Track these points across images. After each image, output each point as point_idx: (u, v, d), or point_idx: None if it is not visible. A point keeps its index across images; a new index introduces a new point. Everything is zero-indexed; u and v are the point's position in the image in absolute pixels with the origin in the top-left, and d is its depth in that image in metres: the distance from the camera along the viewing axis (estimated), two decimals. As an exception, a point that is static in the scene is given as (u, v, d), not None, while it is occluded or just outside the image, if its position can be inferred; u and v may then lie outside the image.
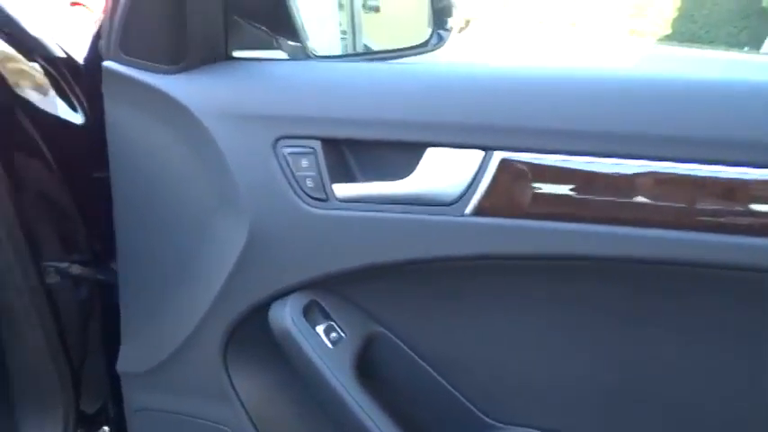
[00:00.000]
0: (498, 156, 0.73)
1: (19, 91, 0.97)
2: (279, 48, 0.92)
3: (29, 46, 0.98)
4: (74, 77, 1.04)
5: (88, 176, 1.10)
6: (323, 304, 0.81)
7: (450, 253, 0.75)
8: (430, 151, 0.75)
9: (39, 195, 1.03)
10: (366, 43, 1.34)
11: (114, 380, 1.10)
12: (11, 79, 0.96)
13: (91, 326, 1.18)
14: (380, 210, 0.76)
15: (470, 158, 0.74)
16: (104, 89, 0.84)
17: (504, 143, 0.73)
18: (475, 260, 0.74)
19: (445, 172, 0.74)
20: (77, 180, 1.08)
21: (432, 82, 0.80)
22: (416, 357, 0.83)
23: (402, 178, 0.76)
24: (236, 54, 0.88)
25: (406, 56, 0.96)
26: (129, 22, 0.81)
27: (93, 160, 1.11)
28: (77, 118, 1.06)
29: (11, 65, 0.96)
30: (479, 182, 0.73)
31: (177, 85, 0.80)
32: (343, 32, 1.33)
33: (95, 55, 0.97)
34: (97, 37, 0.94)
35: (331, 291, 0.82)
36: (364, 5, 1.36)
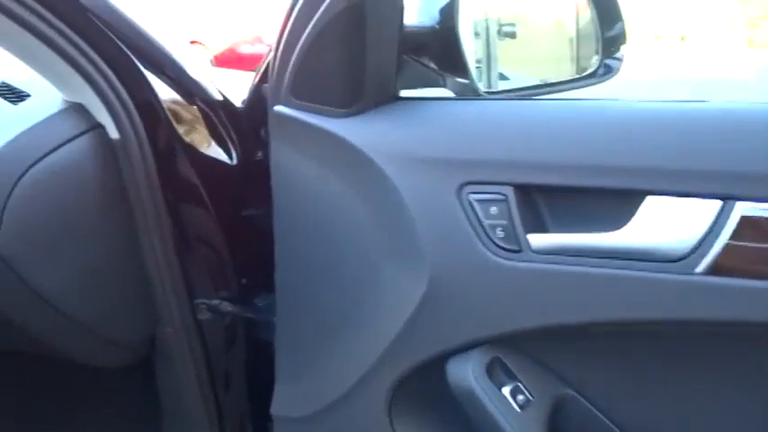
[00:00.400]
0: (741, 207, 0.65)
1: (181, 133, 0.99)
2: (443, 85, 0.89)
3: (189, 89, 1.00)
4: (228, 119, 1.06)
5: (237, 215, 1.12)
6: (508, 363, 0.76)
7: (677, 316, 0.67)
8: (650, 200, 0.69)
9: (195, 233, 1.05)
10: (501, 72, 1.29)
11: (259, 419, 1.10)
12: (174, 122, 0.98)
13: (238, 363, 1.19)
14: (586, 264, 0.70)
15: (704, 209, 0.67)
16: (272, 133, 0.83)
17: (749, 192, 0.65)
18: (703, 325, 0.67)
19: (670, 223, 0.67)
20: (228, 218, 1.10)
21: (636, 121, 0.74)
22: (609, 423, 0.77)
23: (610, 229, 0.70)
24: (402, 94, 0.85)
25: (572, 88, 0.91)
26: (303, 67, 0.79)
27: (242, 199, 1.13)
28: (230, 158, 1.08)
29: (175, 108, 0.98)
30: (717, 236, 0.66)
31: (352, 129, 0.78)
32: (478, 62, 1.30)
33: (257, 99, 0.99)
34: (261, 81, 0.95)
35: (517, 349, 0.77)
36: (499, 32, 1.32)
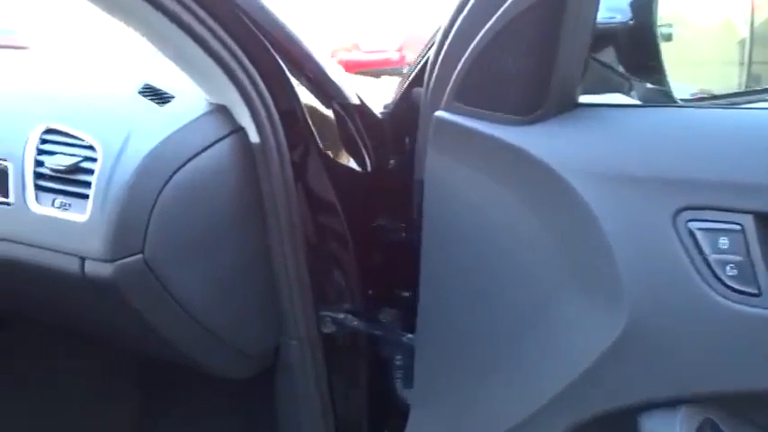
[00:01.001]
0: None
1: (318, 138, 0.95)
2: (626, 90, 0.78)
3: (329, 92, 0.96)
4: (364, 124, 1.01)
5: (367, 225, 1.07)
6: (723, 428, 0.64)
7: None
8: None
9: (325, 243, 1.01)
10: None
11: None
12: (313, 126, 0.94)
13: (358, 379, 1.13)
14: None
15: None
16: (431, 140, 0.75)
17: None
18: None
19: None
20: (358, 228, 1.04)
21: None
22: None
23: None
24: (581, 100, 0.75)
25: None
26: (475, 69, 0.71)
27: (373, 208, 1.08)
28: (363, 165, 1.03)
29: (313, 111, 0.94)
30: None
31: (532, 138, 0.69)
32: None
33: (405, 104, 0.92)
34: (411, 86, 0.90)
35: (738, 412, 0.64)
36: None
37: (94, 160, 0.79)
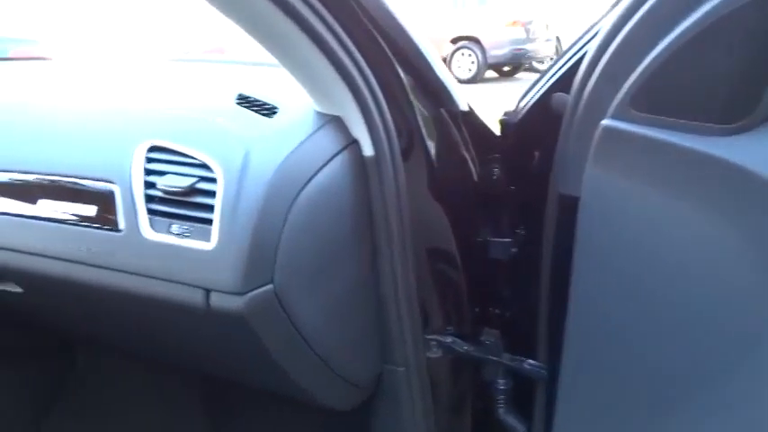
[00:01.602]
0: None
1: (430, 149, 0.88)
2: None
3: (441, 100, 0.89)
4: (471, 133, 0.94)
5: (473, 240, 0.99)
6: None
7: None
8: None
9: (435, 261, 0.94)
10: None
11: None
12: (426, 137, 0.87)
13: (461, 406, 1.06)
14: None
15: None
16: (596, 151, 0.68)
17: None
18: None
19: None
20: (465, 245, 0.97)
21: None
22: None
23: None
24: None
25: None
26: (661, 73, 0.63)
27: (478, 222, 1.01)
28: (471, 177, 0.96)
29: (426, 121, 0.87)
30: None
31: (741, 149, 0.61)
32: None
33: (538, 111, 0.85)
34: (548, 92, 0.82)
35: None
36: None
37: (211, 180, 0.72)
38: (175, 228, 0.70)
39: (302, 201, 0.72)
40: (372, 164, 0.80)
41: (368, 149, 0.80)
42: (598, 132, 0.66)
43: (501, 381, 0.99)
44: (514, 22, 7.42)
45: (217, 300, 0.69)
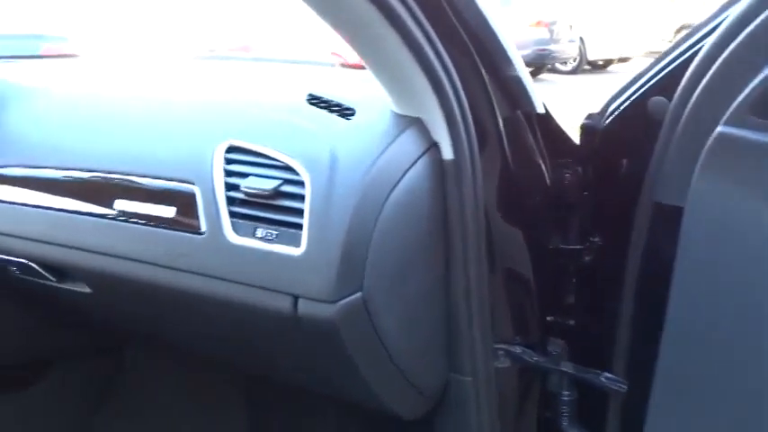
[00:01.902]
0: None
1: (507, 152, 0.86)
2: None
3: (518, 100, 0.86)
4: (544, 135, 0.91)
5: (545, 247, 0.97)
6: None
7: None
8: None
9: (508, 267, 0.91)
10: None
11: None
12: (505, 140, 0.85)
13: (527, 417, 1.03)
14: None
15: None
16: (707, 159, 0.64)
17: None
18: None
19: None
20: (538, 251, 0.94)
21: None
22: None
23: None
24: None
25: None
26: None
27: (552, 229, 0.98)
28: (542, 180, 0.93)
29: (504, 123, 0.84)
30: None
31: None
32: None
33: (633, 115, 0.80)
34: (644, 96, 0.77)
35: None
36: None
37: (296, 183, 0.70)
38: (260, 232, 0.68)
39: (389, 206, 0.70)
40: (451, 167, 0.77)
41: (447, 153, 0.77)
42: (711, 139, 0.63)
43: (566, 392, 0.96)
44: (538, 23, 7.36)
45: (305, 307, 0.66)
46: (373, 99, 0.83)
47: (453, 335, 0.85)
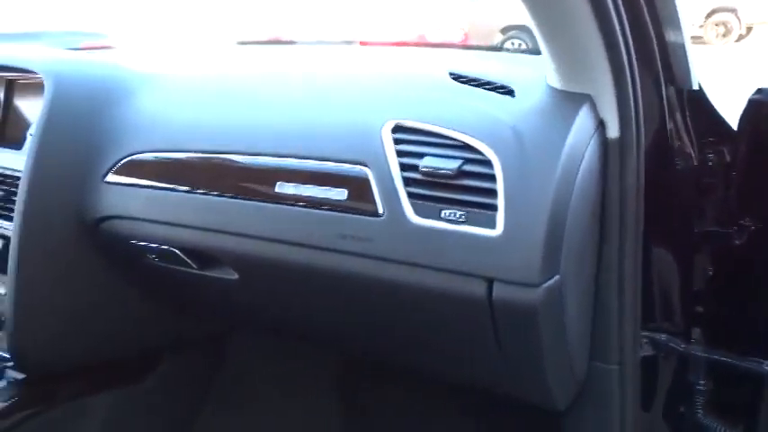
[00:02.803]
0: None
1: (668, 130, 0.82)
2: None
3: (677, 73, 0.82)
4: (695, 112, 0.87)
5: (693, 230, 0.93)
6: None
7: None
8: None
9: (661, 251, 0.87)
10: None
11: None
12: (668, 117, 0.81)
13: (669, 407, 1.00)
14: None
15: None
16: None
17: None
18: None
19: None
20: (688, 235, 0.91)
21: None
22: None
23: None
24: None
25: None
26: None
27: (700, 212, 0.94)
28: (690, 160, 0.89)
29: (665, 100, 0.81)
30: None
31: None
32: None
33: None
34: None
35: None
36: None
37: (481, 163, 0.67)
38: (445, 213, 0.65)
39: (578, 186, 0.67)
40: (615, 146, 0.74)
41: (613, 131, 0.74)
42: None
43: (702, 381, 0.93)
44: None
45: (502, 291, 0.63)
46: (519, 76, 0.80)
47: (603, 321, 0.82)
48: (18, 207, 0.87)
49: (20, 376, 0.99)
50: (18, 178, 0.90)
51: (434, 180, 0.67)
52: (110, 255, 0.94)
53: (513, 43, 7.62)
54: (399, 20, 7.11)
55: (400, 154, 0.70)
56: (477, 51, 1.52)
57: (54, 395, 1.01)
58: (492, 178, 0.65)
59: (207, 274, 0.86)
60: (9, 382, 0.99)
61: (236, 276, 0.84)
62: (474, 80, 0.81)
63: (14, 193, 0.90)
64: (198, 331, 1.17)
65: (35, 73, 0.93)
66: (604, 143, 0.74)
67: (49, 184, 0.88)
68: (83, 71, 0.97)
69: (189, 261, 0.86)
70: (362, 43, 1.55)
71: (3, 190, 0.92)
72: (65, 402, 1.01)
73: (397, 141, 0.71)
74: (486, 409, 1.09)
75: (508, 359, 0.73)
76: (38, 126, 0.88)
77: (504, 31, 7.66)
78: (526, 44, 7.67)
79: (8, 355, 0.99)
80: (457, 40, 6.96)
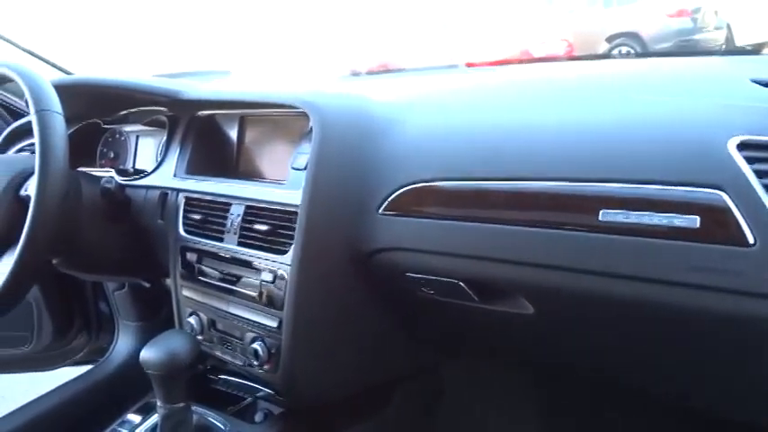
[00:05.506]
0: None
1: None
2: None
3: None
4: None
5: None
6: None
7: None
8: None
9: None
10: None
11: None
12: None
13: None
14: None
15: None
16: None
17: None
18: None
19: None
20: None
21: None
22: None
23: None
24: None
25: None
26: None
27: None
28: None
29: None
30: None
31: None
32: None
33: None
34: None
35: None
36: None
37: None
38: None
39: None
40: None
41: None
42: None
43: None
44: (679, 12, 6.91)
45: None
46: None
47: None
48: (297, 241, 0.85)
49: (276, 410, 0.98)
50: (283, 212, 0.89)
51: None
52: (379, 287, 0.92)
53: (620, 51, 7.35)
54: (499, 38, 7.12)
55: (760, 174, 0.61)
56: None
57: (316, 428, 1.00)
58: None
59: (490, 307, 0.81)
60: (266, 414, 0.98)
61: (531, 311, 0.78)
62: None
63: (282, 227, 0.89)
64: (430, 361, 1.15)
65: (294, 108, 0.91)
66: None
67: (325, 218, 0.86)
68: (342, 104, 0.94)
69: (471, 293, 0.81)
70: (469, 64, 1.53)
71: (270, 224, 0.90)
72: None
73: (749, 160, 0.62)
74: None
75: None
76: (311, 161, 0.86)
77: (609, 39, 7.42)
78: (634, 50, 7.37)
79: (266, 389, 0.99)
80: (561, 52, 6.85)
